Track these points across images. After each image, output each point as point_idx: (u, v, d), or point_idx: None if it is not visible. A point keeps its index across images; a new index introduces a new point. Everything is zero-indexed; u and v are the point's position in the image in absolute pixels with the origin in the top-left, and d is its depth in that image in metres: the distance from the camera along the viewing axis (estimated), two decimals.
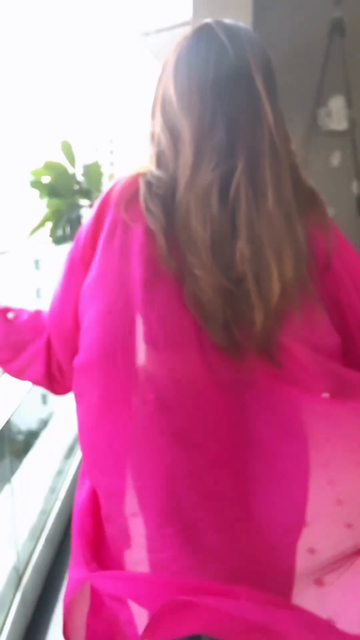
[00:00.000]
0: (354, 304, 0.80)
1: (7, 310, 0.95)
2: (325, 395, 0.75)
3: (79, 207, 2.48)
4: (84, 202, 2.57)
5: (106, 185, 0.84)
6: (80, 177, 2.54)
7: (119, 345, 0.74)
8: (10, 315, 0.94)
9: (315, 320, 0.76)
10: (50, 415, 3.23)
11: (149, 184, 0.75)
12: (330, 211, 2.83)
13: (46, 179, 2.48)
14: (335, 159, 2.72)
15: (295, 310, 0.73)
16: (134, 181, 0.77)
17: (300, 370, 0.74)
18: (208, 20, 0.77)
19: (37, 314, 0.95)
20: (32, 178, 2.43)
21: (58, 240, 2.46)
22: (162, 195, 0.74)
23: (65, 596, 0.83)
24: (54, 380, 0.92)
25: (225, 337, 0.73)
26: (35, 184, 2.45)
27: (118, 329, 0.74)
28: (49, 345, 0.90)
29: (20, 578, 1.63)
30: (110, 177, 2.89)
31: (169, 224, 0.73)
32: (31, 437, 3.04)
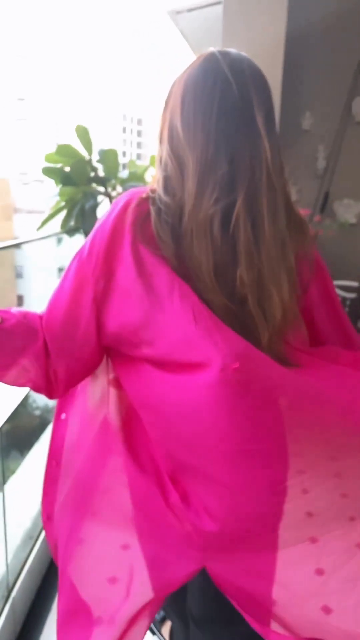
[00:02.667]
0: (323, 321, 0.95)
1: None
2: None
3: (95, 195, 2.36)
4: (100, 189, 2.45)
5: (119, 199, 0.85)
6: (96, 164, 2.41)
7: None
8: None
9: (301, 331, 0.91)
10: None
11: (158, 211, 0.80)
12: (357, 207, 2.59)
13: (59, 166, 2.35)
14: None
15: (290, 327, 0.85)
16: (144, 203, 0.82)
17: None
18: (214, 50, 0.80)
19: (26, 315, 0.88)
20: (46, 164, 2.31)
21: (70, 232, 2.35)
22: (170, 222, 0.80)
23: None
24: (51, 384, 0.88)
25: None
26: (48, 171, 2.33)
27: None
28: (45, 350, 0.85)
29: (9, 591, 1.55)
30: (131, 163, 2.75)
31: (178, 250, 0.79)
32: (49, 414, 2.99)
